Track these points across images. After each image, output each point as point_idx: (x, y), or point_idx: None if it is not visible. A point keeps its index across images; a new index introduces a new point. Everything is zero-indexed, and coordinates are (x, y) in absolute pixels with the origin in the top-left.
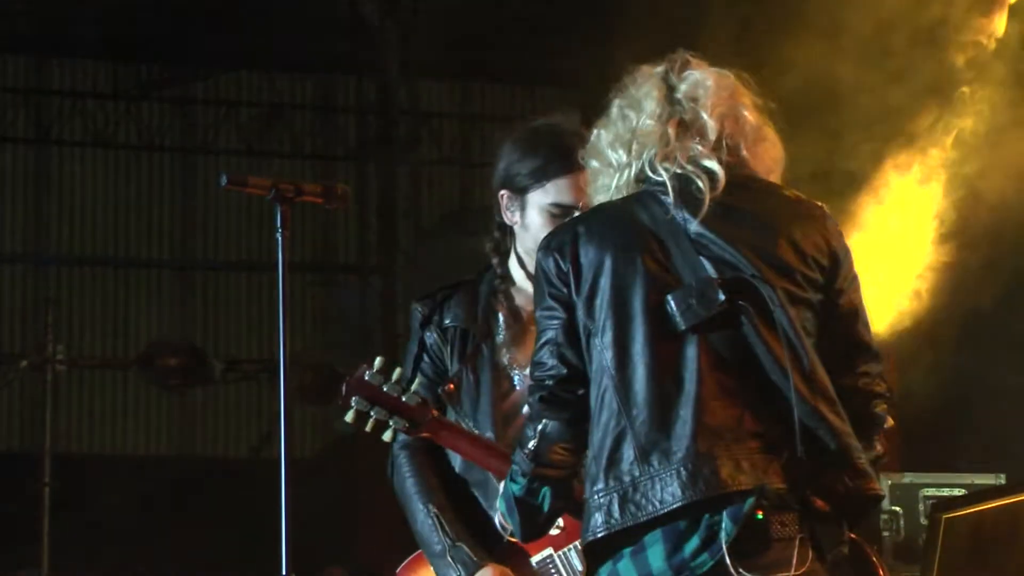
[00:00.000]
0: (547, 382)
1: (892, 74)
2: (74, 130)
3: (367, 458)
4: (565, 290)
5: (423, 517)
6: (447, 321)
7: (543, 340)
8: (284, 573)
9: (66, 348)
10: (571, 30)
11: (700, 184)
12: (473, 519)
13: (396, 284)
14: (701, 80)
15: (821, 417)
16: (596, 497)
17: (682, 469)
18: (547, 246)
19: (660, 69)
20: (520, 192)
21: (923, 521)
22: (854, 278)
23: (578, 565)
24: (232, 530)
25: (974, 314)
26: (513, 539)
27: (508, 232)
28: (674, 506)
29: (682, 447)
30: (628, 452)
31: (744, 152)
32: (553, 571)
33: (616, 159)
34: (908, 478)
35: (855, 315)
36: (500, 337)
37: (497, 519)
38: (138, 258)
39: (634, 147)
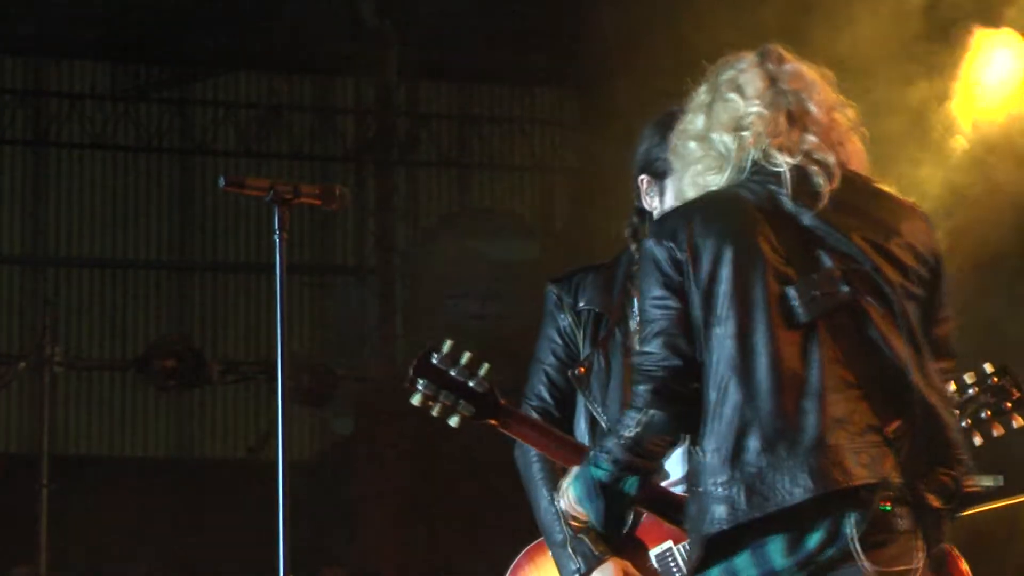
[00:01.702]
0: (658, 373)
1: None
2: (72, 132)
3: (364, 459)
4: (680, 279)
5: (546, 504)
6: (581, 304)
7: (654, 330)
8: (282, 574)
9: (64, 349)
10: (570, 31)
11: (819, 179)
12: None
13: (394, 286)
14: (802, 73)
15: (936, 412)
16: (718, 489)
17: (811, 460)
18: (658, 234)
19: (753, 57)
20: (660, 177)
21: None
22: (948, 283)
23: None
24: (230, 531)
25: (973, 314)
26: (576, 524)
27: (647, 217)
28: (804, 498)
29: (809, 438)
30: (754, 442)
31: (842, 149)
32: (672, 565)
33: (724, 145)
34: None
35: (950, 320)
36: (633, 322)
37: (561, 504)
38: (136, 259)
39: (745, 134)
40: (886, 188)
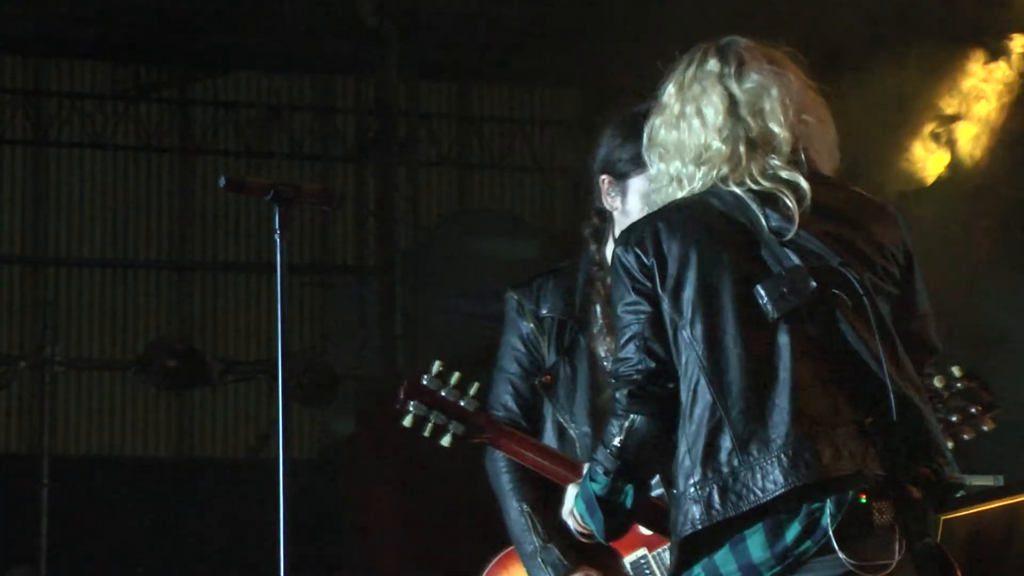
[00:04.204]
0: (634, 376)
1: None
2: (72, 131)
3: (364, 459)
4: (649, 284)
5: (516, 515)
6: (544, 311)
7: (628, 335)
8: (282, 573)
9: (64, 349)
10: (570, 30)
11: (787, 201)
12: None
13: (394, 285)
14: (763, 87)
15: (912, 403)
16: (693, 489)
17: (783, 456)
18: (627, 241)
19: (715, 66)
20: (621, 177)
21: None
22: (923, 278)
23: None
24: (230, 531)
25: (972, 315)
26: (586, 540)
27: (607, 218)
28: (777, 493)
29: (781, 434)
30: (726, 442)
31: (813, 153)
32: (647, 572)
33: (686, 174)
34: None
35: (928, 316)
36: (596, 327)
37: (572, 524)
38: (136, 259)
39: (704, 167)
40: (855, 188)
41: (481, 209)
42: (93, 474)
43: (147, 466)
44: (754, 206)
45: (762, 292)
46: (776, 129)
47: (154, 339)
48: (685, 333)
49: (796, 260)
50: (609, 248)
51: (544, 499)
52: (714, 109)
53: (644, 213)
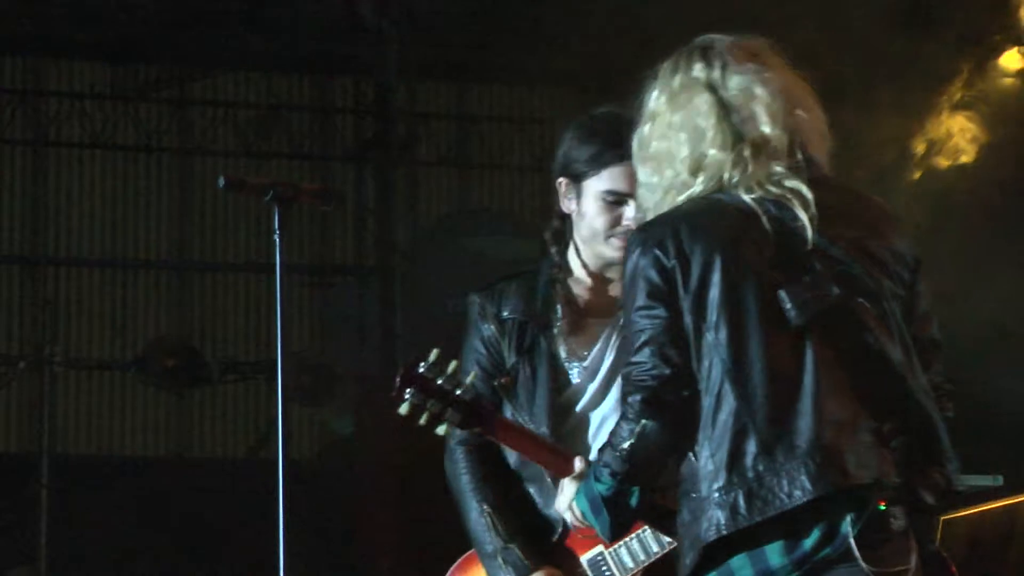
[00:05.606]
0: (649, 383)
1: None
2: (71, 131)
3: (365, 459)
4: (667, 287)
5: (476, 516)
6: (505, 313)
7: (643, 339)
8: (282, 573)
9: (64, 349)
10: (570, 30)
11: (796, 211)
12: (527, 518)
13: (394, 285)
14: (749, 89)
15: (927, 411)
16: (719, 495)
17: (809, 462)
18: (644, 242)
19: (702, 72)
20: (577, 179)
21: None
22: (926, 280)
23: (629, 562)
24: (230, 531)
25: (971, 314)
26: (584, 538)
27: (567, 221)
28: (804, 499)
29: (805, 440)
30: (751, 447)
31: (811, 148)
32: (604, 569)
33: (676, 181)
34: None
35: (931, 314)
36: (557, 328)
37: (569, 519)
38: (136, 259)
39: (700, 174)
40: (854, 188)
41: (481, 209)
42: (93, 474)
43: (146, 466)
44: (773, 211)
45: (786, 297)
46: (770, 131)
47: (154, 339)
48: (709, 336)
49: (818, 265)
50: (571, 250)
51: (505, 499)
52: (705, 118)
53: (601, 216)
